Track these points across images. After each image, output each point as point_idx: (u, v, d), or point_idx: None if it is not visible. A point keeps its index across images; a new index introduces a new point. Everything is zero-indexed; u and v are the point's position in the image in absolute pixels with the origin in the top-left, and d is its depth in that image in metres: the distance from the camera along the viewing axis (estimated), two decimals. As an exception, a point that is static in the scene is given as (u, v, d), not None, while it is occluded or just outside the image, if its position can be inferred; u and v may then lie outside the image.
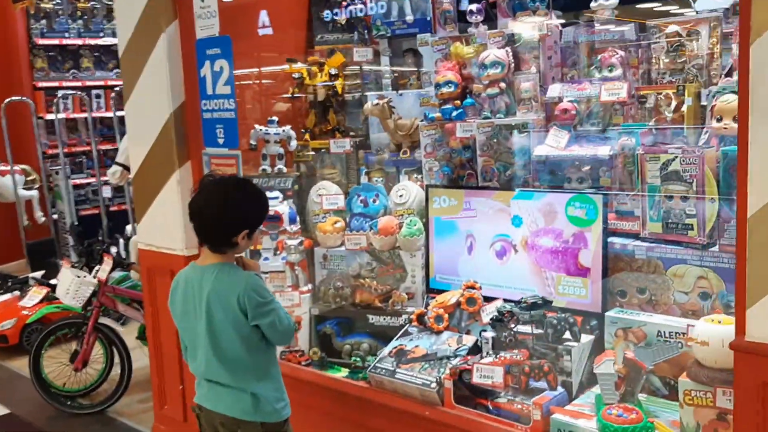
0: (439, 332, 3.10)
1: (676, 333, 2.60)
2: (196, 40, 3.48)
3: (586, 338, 2.82)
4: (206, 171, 3.56)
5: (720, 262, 2.68)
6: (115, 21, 7.67)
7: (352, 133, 4.04)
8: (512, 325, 2.90)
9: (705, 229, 2.71)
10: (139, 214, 3.84)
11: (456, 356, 2.93)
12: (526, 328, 2.88)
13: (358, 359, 3.26)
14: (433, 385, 2.83)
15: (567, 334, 2.79)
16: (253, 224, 2.58)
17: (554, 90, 3.28)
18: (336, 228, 3.58)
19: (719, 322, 2.23)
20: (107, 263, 4.22)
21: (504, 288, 3.22)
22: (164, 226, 3.66)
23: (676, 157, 2.75)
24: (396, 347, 3.11)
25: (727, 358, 2.11)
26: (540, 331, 2.83)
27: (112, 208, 8.02)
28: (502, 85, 3.39)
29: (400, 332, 3.20)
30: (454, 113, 3.51)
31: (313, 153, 3.97)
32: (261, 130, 3.74)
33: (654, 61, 3.15)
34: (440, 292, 3.39)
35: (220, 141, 3.48)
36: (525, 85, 3.35)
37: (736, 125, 2.59)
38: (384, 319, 3.34)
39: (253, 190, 2.66)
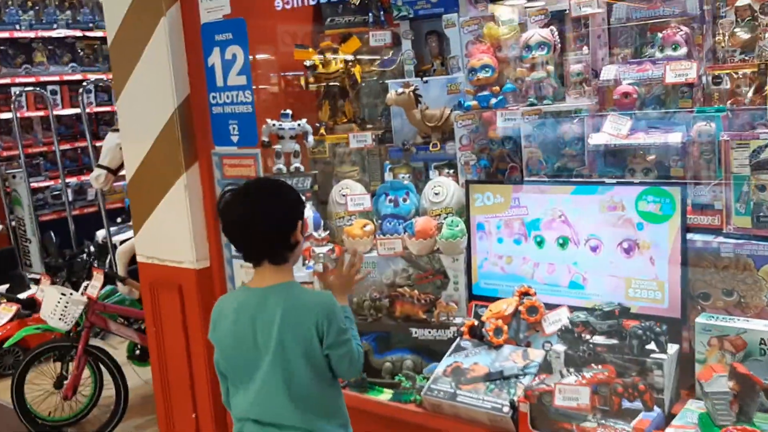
0: (498, 346, 2.77)
1: (782, 340, 2.33)
2: (202, 25, 3.06)
3: (672, 348, 2.53)
4: (217, 173, 3.15)
5: (820, 258, 2.43)
6: (84, 9, 7.14)
7: (369, 126, 3.67)
8: (587, 337, 2.59)
9: (805, 223, 2.45)
10: (137, 224, 3.40)
11: (525, 374, 2.61)
12: (600, 339, 2.58)
13: (403, 379, 2.90)
14: (506, 409, 2.50)
15: (652, 345, 2.50)
16: (301, 217, 2.27)
17: (609, 72, 2.97)
18: (366, 232, 3.21)
19: None
20: (97, 278, 3.76)
21: (563, 294, 2.91)
22: (170, 236, 3.25)
23: (770, 143, 2.47)
24: (451, 365, 2.77)
25: None
26: (615, 342, 2.54)
27: (72, 212, 7.46)
28: (550, 68, 3.07)
29: (452, 347, 2.86)
30: (494, 100, 3.18)
31: (328, 149, 3.58)
32: (274, 124, 3.32)
33: (720, 37, 2.87)
34: (484, 299, 3.07)
35: (234, 138, 3.07)
36: (576, 68, 3.03)
37: None
38: (429, 332, 2.98)
39: (281, 182, 2.40)
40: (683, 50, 2.84)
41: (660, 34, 2.88)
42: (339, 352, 2.18)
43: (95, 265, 3.97)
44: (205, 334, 3.20)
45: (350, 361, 2.20)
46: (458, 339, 2.88)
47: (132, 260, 4.49)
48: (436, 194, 3.20)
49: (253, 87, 2.94)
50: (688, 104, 2.83)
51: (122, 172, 4.09)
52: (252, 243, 2.19)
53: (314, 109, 3.75)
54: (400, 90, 3.39)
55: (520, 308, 2.81)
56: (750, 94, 2.68)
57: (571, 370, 2.48)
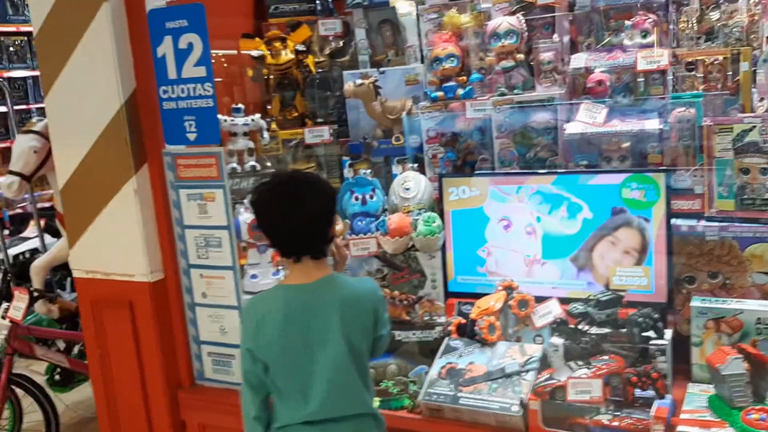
0: (492, 344, 2.68)
1: (778, 319, 2.39)
2: (149, 11, 2.75)
3: (667, 334, 2.53)
4: (170, 174, 2.85)
5: (804, 237, 2.51)
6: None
7: (320, 120, 3.47)
8: (585, 328, 2.56)
9: (789, 203, 2.52)
10: (73, 235, 3.02)
11: (527, 371, 2.53)
12: (595, 330, 2.55)
13: (390, 384, 2.75)
14: (516, 408, 2.41)
15: (650, 332, 2.50)
16: (335, 211, 2.26)
17: (579, 60, 2.96)
18: (336, 231, 3.02)
19: None
20: (21, 299, 3.33)
21: (545, 285, 2.87)
22: (117, 247, 2.91)
23: (754, 126, 2.53)
24: (445, 366, 2.65)
25: None
26: (614, 331, 2.52)
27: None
28: (520, 56, 3.02)
29: (443, 348, 2.74)
30: (460, 91, 3.09)
31: (282, 145, 3.36)
32: (225, 120, 3.08)
33: (684, 24, 2.92)
34: (461, 296, 2.98)
35: (191, 136, 2.79)
36: (546, 56, 2.99)
37: None
38: (414, 334, 2.84)
39: (317, 175, 2.44)
40: (652, 37, 2.87)
41: (630, 22, 2.89)
42: (385, 335, 2.25)
43: (13, 283, 3.52)
44: (161, 353, 2.96)
45: (387, 340, 2.30)
46: (446, 339, 2.77)
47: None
48: (407, 189, 3.06)
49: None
50: (659, 91, 2.86)
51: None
52: (297, 237, 2.11)
53: (259, 103, 3.52)
54: (359, 81, 3.24)
55: (510, 302, 2.73)
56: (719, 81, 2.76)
57: (580, 362, 2.43)
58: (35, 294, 3.55)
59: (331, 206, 2.18)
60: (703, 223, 2.65)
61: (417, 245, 2.96)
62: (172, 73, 2.75)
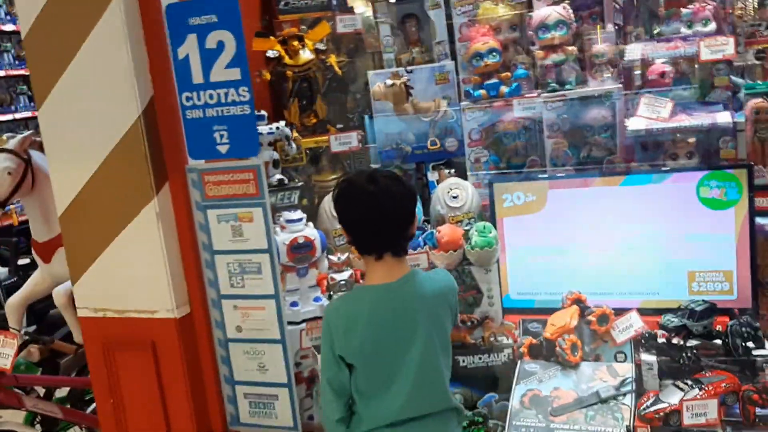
0: (575, 365, 2.44)
1: None
2: (166, 6, 2.38)
3: None
4: (196, 193, 2.48)
5: None
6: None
7: (339, 126, 3.15)
8: (680, 342, 2.34)
9: None
10: (77, 269, 2.59)
11: (623, 394, 2.30)
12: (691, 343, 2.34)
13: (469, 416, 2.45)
14: (622, 437, 2.18)
15: (750, 343, 2.31)
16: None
17: (634, 51, 2.76)
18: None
19: None
20: (9, 344, 2.85)
21: (618, 296, 2.64)
22: (135, 280, 2.51)
23: None
24: (526, 394, 2.39)
25: None
26: (714, 343, 2.32)
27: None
28: (572, 48, 2.79)
29: (517, 373, 2.47)
30: (504, 88, 2.84)
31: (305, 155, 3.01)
32: (248, 129, 2.72)
33: (742, 12, 2.77)
34: (518, 312, 2.73)
35: (222, 149, 2.42)
36: (599, 48, 2.77)
37: None
38: (480, 359, 2.56)
39: (396, 173, 2.24)
40: (713, 25, 2.69)
41: (688, 9, 2.71)
42: (454, 325, 2.17)
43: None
44: (190, 398, 2.57)
45: None
46: (519, 362, 2.51)
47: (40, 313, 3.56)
48: (455, 198, 2.78)
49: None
50: (724, 81, 2.69)
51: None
52: (383, 234, 2.04)
53: (272, 108, 3.17)
54: (390, 82, 2.94)
55: (590, 317, 2.49)
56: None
57: (687, 382, 2.21)
58: (27, 338, 3.08)
59: (414, 204, 2.13)
60: (790, 221, 2.49)
61: (472, 259, 2.68)
62: (197, 77, 2.38)
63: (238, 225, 2.46)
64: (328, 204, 2.87)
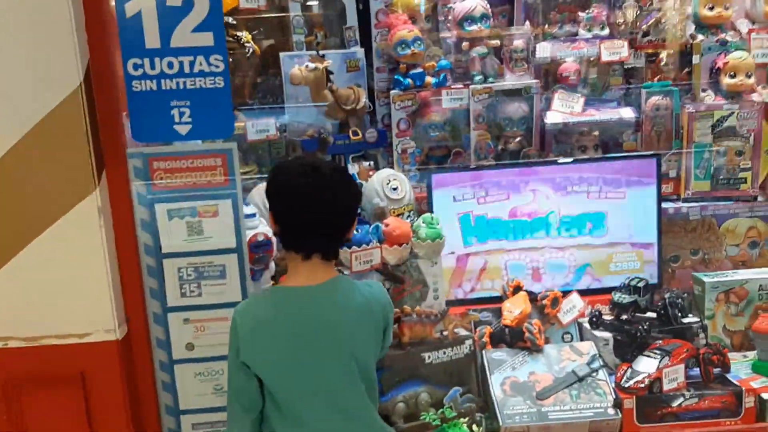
0: (540, 349, 2.48)
1: (774, 284, 2.66)
2: (109, -53, 1.91)
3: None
4: (138, 185, 2.02)
5: (766, 210, 2.85)
6: None
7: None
8: (628, 317, 2.53)
9: (758, 181, 2.83)
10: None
11: (596, 370, 2.40)
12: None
13: (430, 416, 2.34)
14: (612, 411, 2.27)
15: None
16: None
17: (544, 49, 2.92)
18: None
19: None
20: None
21: (547, 279, 2.77)
22: (61, 295, 1.95)
23: (733, 113, 2.78)
24: (504, 383, 2.38)
25: None
26: (656, 315, 2.55)
27: None
28: (495, 42, 2.85)
29: (487, 363, 2.44)
30: (430, 79, 2.80)
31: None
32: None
33: (622, 19, 3.08)
34: (458, 303, 2.72)
35: (182, 130, 2.00)
36: (518, 44, 2.88)
37: (750, 80, 2.79)
38: (444, 353, 2.47)
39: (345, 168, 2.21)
40: (607, 30, 2.97)
41: (588, 14, 2.94)
42: (387, 348, 1.96)
43: None
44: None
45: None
46: (484, 353, 2.48)
47: None
48: (394, 190, 2.66)
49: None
50: (618, 81, 2.98)
51: None
52: (318, 232, 1.79)
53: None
54: (312, 65, 2.70)
55: (544, 302, 2.57)
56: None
57: (657, 351, 2.39)
58: None
59: (358, 204, 1.94)
60: (688, 204, 2.84)
61: (421, 252, 2.58)
62: (152, 41, 1.94)
63: (197, 221, 2.07)
64: (257, 194, 2.52)
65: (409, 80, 2.78)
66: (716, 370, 2.40)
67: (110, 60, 1.96)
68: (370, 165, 2.82)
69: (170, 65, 1.96)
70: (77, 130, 1.88)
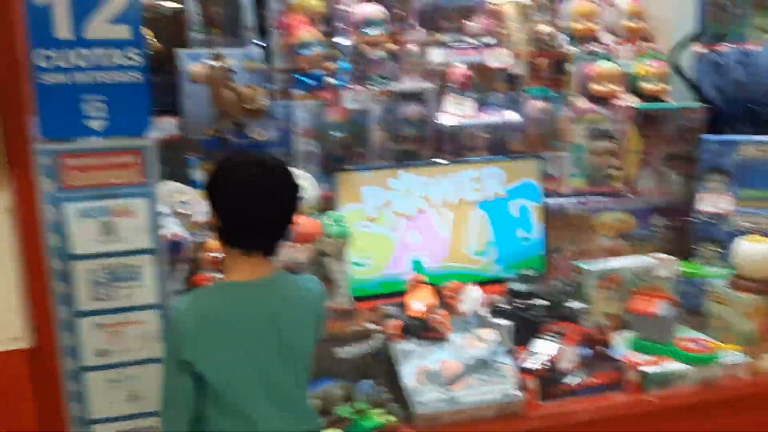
0: (444, 338, 2.60)
1: (644, 270, 2.94)
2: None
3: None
4: (47, 183, 1.91)
5: (634, 204, 3.15)
6: None
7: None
8: (520, 303, 2.71)
9: (626, 178, 3.13)
10: None
11: (499, 354, 2.55)
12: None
13: (348, 411, 2.38)
14: (517, 392, 2.42)
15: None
16: None
17: (437, 55, 3.06)
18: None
19: (759, 241, 2.72)
20: None
21: (441, 272, 2.90)
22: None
23: (604, 117, 3.05)
24: (416, 372, 2.46)
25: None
26: (545, 301, 2.75)
27: None
28: (393, 46, 2.95)
29: (396, 354, 2.52)
30: (331, 80, 2.85)
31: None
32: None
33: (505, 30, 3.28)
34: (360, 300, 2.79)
35: (96, 125, 1.91)
36: (413, 48, 3.00)
37: (616, 88, 3.13)
38: (355, 348, 2.51)
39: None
40: (491, 39, 3.16)
41: (474, 23, 3.12)
42: (319, 341, 1.98)
43: None
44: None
45: None
46: (393, 345, 2.55)
47: None
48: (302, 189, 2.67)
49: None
50: (503, 87, 3.18)
51: None
52: (261, 229, 1.81)
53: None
54: (215, 63, 2.67)
55: (448, 293, 2.69)
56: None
57: (551, 334, 2.58)
58: None
59: (299, 200, 1.92)
60: (569, 199, 3.08)
61: (328, 249, 2.62)
62: (63, 31, 1.85)
63: (111, 221, 1.99)
64: (165, 195, 2.45)
65: (312, 81, 2.81)
66: (602, 349, 2.64)
67: (15, 50, 1.84)
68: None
69: (84, 58, 1.88)
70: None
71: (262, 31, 2.93)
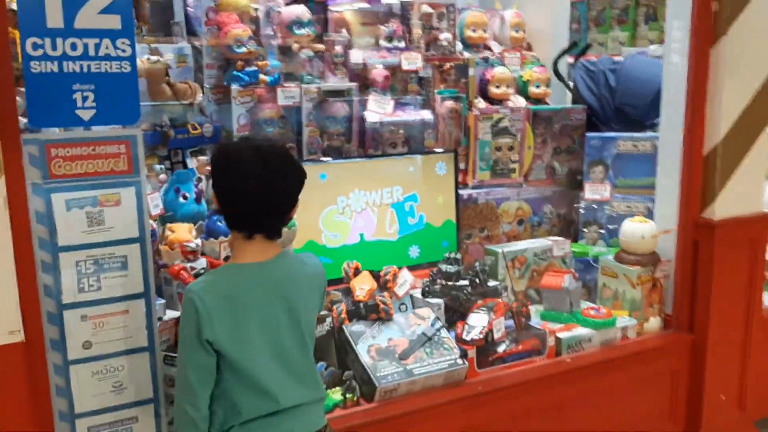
0: (390, 318, 2.79)
1: (543, 251, 3.33)
2: None
3: (486, 277, 3.20)
4: (34, 173, 1.88)
5: (529, 194, 3.54)
6: None
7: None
8: (452, 283, 2.97)
9: (523, 171, 3.50)
10: None
11: (438, 329, 2.78)
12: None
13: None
14: (460, 360, 2.68)
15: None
16: None
17: (357, 56, 3.25)
18: (193, 237, 2.47)
19: (640, 221, 3.19)
20: None
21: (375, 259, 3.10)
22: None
23: (505, 116, 3.41)
24: (369, 350, 2.64)
25: (647, 245, 3.14)
26: (468, 280, 3.04)
27: None
28: (321, 46, 3.10)
29: (348, 336, 2.67)
30: (264, 77, 2.95)
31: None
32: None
33: (408, 34, 3.54)
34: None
35: (85, 115, 1.89)
36: (338, 49, 3.16)
37: (510, 90, 3.55)
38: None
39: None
40: (403, 43, 3.41)
41: (389, 28, 3.34)
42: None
43: None
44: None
45: None
46: (344, 327, 2.71)
47: None
48: (246, 182, 2.74)
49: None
50: (415, 88, 3.43)
51: None
52: (266, 211, 1.88)
53: None
54: (154, 58, 2.68)
55: (387, 277, 2.88)
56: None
57: (483, 308, 2.86)
58: None
59: (303, 185, 1.97)
60: (477, 190, 3.40)
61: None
62: (54, 20, 1.83)
63: (98, 211, 1.99)
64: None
65: (246, 77, 2.89)
66: (524, 321, 2.98)
67: (4, 38, 1.79)
68: (202, 159, 2.86)
69: (73, 47, 1.87)
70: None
71: (188, 28, 2.96)
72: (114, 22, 1.91)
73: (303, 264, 2.00)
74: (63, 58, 1.86)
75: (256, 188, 1.83)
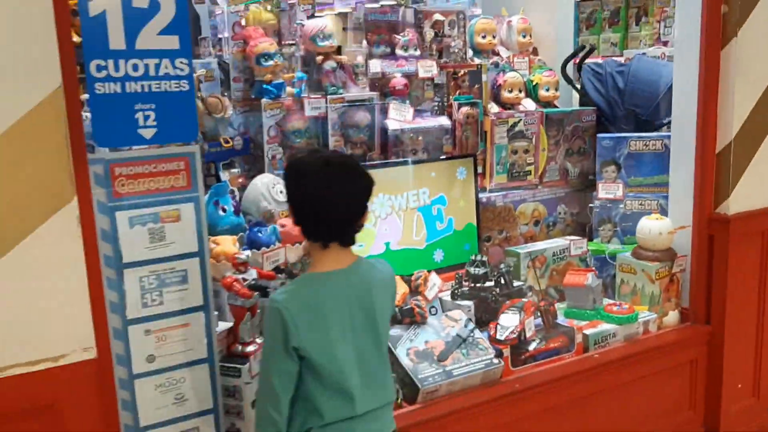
0: (424, 321, 2.86)
1: (561, 250, 3.42)
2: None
3: (507, 278, 3.28)
4: (99, 192, 1.91)
5: (545, 195, 3.64)
6: None
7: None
8: (479, 285, 3.05)
9: (538, 173, 3.59)
10: None
11: (472, 330, 2.86)
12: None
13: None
14: (496, 360, 2.76)
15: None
16: None
17: (376, 65, 3.31)
18: (238, 249, 2.52)
19: (657, 219, 3.29)
20: None
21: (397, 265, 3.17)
22: (26, 316, 1.75)
23: (521, 119, 3.49)
24: (408, 353, 2.70)
25: (664, 241, 3.24)
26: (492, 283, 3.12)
27: None
28: (344, 57, 3.16)
29: (390, 341, 2.72)
30: (291, 89, 3.01)
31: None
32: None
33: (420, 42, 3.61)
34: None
35: (146, 134, 1.94)
36: (359, 59, 3.22)
37: (521, 94, 3.65)
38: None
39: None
40: (419, 51, 3.48)
41: (405, 36, 3.41)
42: None
43: None
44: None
45: None
46: (381, 331, 2.77)
47: None
48: (281, 193, 2.79)
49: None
50: (431, 95, 3.51)
51: None
52: (342, 220, 1.96)
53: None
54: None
55: (419, 282, 2.94)
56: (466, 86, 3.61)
57: (513, 309, 2.94)
58: None
59: (369, 192, 2.03)
60: (495, 194, 3.48)
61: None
62: (116, 42, 1.87)
63: (160, 227, 2.03)
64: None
65: (274, 90, 2.94)
66: (552, 319, 3.06)
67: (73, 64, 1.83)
68: (233, 172, 2.91)
69: (135, 68, 1.91)
70: (56, 134, 1.73)
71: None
72: (173, 42, 1.96)
73: (376, 269, 2.06)
74: (125, 79, 1.90)
75: (328, 197, 1.90)
